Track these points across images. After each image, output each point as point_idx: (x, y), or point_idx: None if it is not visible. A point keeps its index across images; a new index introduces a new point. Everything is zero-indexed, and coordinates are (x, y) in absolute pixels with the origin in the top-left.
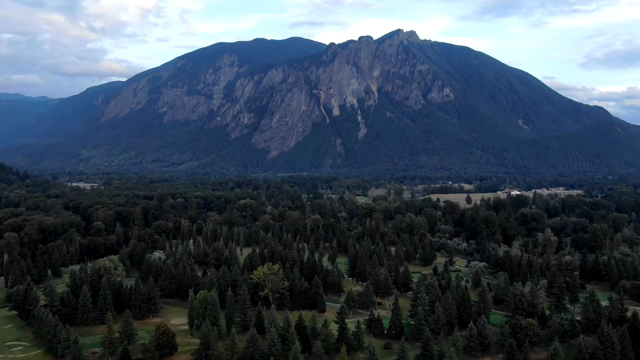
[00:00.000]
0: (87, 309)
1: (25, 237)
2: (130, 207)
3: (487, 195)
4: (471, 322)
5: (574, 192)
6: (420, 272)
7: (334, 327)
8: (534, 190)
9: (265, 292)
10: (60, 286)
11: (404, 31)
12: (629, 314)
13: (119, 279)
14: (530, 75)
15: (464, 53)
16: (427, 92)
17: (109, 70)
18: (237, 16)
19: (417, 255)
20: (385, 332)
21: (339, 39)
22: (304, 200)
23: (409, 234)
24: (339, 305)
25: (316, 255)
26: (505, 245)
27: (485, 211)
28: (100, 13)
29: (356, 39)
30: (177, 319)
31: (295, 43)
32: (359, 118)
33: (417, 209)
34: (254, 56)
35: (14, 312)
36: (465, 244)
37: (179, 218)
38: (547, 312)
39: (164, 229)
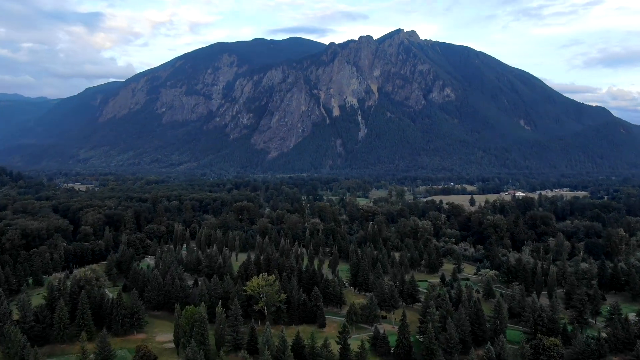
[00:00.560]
0: (63, 326)
1: (7, 242)
2: (122, 210)
3: (490, 197)
4: (488, 342)
5: (579, 193)
6: (426, 280)
7: (335, 347)
8: (538, 191)
9: (260, 305)
10: (40, 297)
11: (405, 31)
12: None
13: (101, 290)
14: (532, 75)
15: (465, 53)
16: (427, 92)
17: (108, 72)
18: (243, 25)
19: (423, 261)
20: (391, 351)
21: (338, 39)
22: (304, 202)
23: (413, 238)
24: (340, 319)
25: (316, 262)
26: (515, 251)
27: (493, 214)
28: (116, 26)
29: (356, 38)
30: (163, 335)
31: (295, 43)
32: (359, 118)
33: (421, 211)
34: (254, 56)
35: None
36: (472, 249)
37: (172, 222)
38: (569, 327)
39: (156, 233)
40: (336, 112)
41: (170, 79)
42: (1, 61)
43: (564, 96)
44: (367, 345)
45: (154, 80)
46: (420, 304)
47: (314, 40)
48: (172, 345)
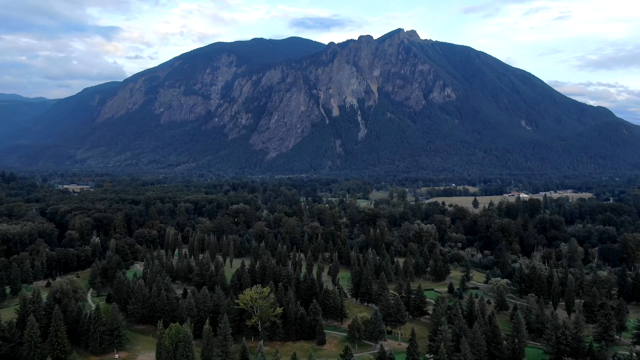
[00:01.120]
0: (34, 344)
1: None
2: (112, 213)
3: (494, 199)
4: None
5: (584, 195)
6: (432, 289)
7: None
8: (542, 193)
9: (253, 320)
10: (13, 310)
11: (405, 30)
12: None
13: (79, 303)
14: (532, 75)
15: (465, 52)
16: (428, 92)
17: (107, 72)
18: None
19: (428, 268)
20: None
21: (338, 39)
22: (303, 203)
23: (418, 243)
24: (341, 334)
25: (315, 270)
26: (525, 257)
27: (501, 218)
28: (131, 36)
29: (356, 38)
30: (146, 354)
31: (294, 42)
32: (359, 119)
33: (424, 214)
34: (253, 56)
35: None
36: (480, 255)
37: (165, 225)
38: (595, 346)
39: (147, 237)
40: (336, 112)
41: (169, 79)
42: (18, 67)
43: (565, 96)
44: None
45: (152, 80)
46: (428, 316)
47: (314, 40)
48: None
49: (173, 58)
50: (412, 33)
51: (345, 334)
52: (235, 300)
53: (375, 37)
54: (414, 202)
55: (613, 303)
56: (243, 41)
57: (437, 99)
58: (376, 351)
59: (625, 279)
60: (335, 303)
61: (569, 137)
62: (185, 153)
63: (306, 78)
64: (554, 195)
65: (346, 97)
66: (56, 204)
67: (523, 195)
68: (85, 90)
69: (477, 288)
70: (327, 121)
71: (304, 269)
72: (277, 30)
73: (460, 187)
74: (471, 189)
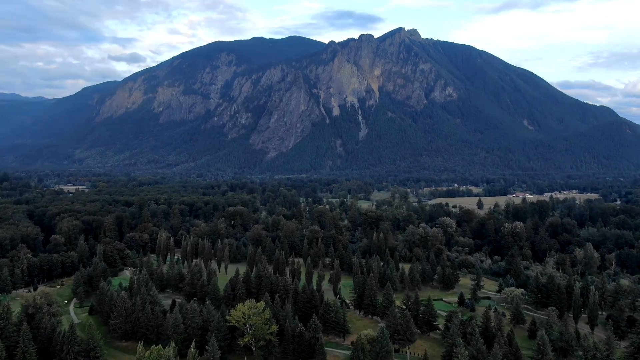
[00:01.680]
0: None
1: None
2: (102, 216)
3: (498, 199)
4: None
5: (590, 195)
6: (441, 298)
7: None
8: (547, 194)
9: (246, 339)
10: None
11: (406, 29)
12: None
13: (55, 319)
14: (535, 75)
15: (467, 52)
16: (429, 91)
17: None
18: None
19: (436, 276)
20: None
21: (339, 38)
22: (302, 205)
23: (423, 248)
24: (344, 352)
25: (314, 278)
26: (538, 263)
27: (510, 221)
28: (142, 45)
29: (356, 37)
30: None
31: (294, 42)
32: (360, 118)
33: (428, 216)
34: (252, 55)
35: None
36: (489, 261)
37: (158, 228)
38: None
39: (139, 242)
40: (336, 111)
41: (168, 78)
42: (31, 71)
43: (568, 95)
44: None
45: (151, 80)
46: (438, 331)
47: (314, 39)
48: None
49: (172, 57)
50: (413, 32)
51: (348, 352)
52: (227, 317)
53: (376, 36)
54: (416, 203)
55: (638, 315)
56: (243, 40)
57: (438, 99)
58: None
59: None
60: (337, 317)
61: (572, 137)
62: (184, 153)
63: (306, 77)
64: (560, 196)
65: (347, 97)
66: (45, 205)
67: (529, 196)
68: (84, 89)
69: (489, 298)
70: (327, 121)
71: (303, 277)
72: (277, 29)
73: (463, 188)
74: (474, 190)
